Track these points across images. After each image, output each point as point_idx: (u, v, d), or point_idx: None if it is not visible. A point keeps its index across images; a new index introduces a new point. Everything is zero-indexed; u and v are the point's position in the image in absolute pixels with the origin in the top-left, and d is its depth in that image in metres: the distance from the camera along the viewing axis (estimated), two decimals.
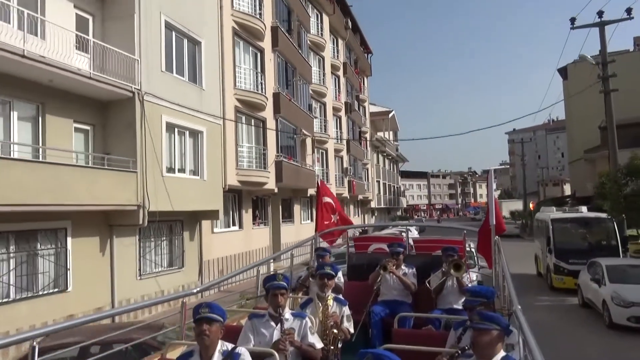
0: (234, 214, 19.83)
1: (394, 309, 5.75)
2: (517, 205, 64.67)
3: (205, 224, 17.17)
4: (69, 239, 11.60)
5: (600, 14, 17.61)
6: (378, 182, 51.82)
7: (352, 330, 4.66)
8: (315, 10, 30.10)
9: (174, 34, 14.72)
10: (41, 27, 11.11)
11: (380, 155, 53.38)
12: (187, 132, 15.21)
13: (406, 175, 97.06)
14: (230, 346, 3.33)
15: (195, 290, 4.84)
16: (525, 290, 15.68)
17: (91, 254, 12.28)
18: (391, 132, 60.72)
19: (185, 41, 15.38)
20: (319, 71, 30.21)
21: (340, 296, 5.06)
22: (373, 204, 49.19)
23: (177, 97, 14.45)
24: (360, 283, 6.40)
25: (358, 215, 43.97)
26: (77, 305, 11.55)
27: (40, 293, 10.91)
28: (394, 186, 64.32)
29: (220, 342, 3.29)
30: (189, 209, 15.20)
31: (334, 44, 34.73)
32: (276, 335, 3.82)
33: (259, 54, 20.38)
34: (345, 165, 35.72)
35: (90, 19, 12.85)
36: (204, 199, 15.78)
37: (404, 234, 8.88)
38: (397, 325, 5.02)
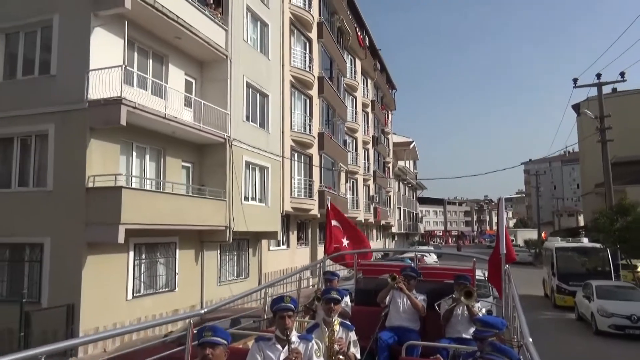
0: (283, 235, 23.34)
1: (401, 336, 5.74)
2: (532, 234, 67.00)
3: (264, 242, 20.68)
4: (177, 251, 15.21)
5: (598, 76, 21.06)
6: (399, 208, 55.10)
7: (358, 356, 4.63)
8: (350, 56, 34.08)
9: (251, 90, 18.54)
10: (164, 91, 14.92)
11: (401, 184, 56.79)
12: (258, 168, 18.91)
13: (423, 201, 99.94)
14: None
15: (202, 312, 4.73)
16: (533, 308, 18.77)
17: (189, 263, 15.86)
18: (411, 161, 64.25)
19: (258, 95, 19.20)
20: (352, 110, 34.03)
21: (347, 321, 5.00)
22: (394, 229, 52.40)
23: (252, 140, 18.19)
24: (368, 308, 6.38)
25: (380, 239, 47.19)
26: (180, 303, 15.04)
27: (159, 291, 14.47)
28: (412, 212, 67.46)
29: None
30: (256, 229, 18.73)
31: (364, 84, 38.66)
32: (282, 358, 3.82)
33: (308, 100, 24.21)
34: (371, 193, 39.23)
35: (193, 82, 16.71)
36: (267, 222, 19.34)
37: (410, 262, 8.48)
38: (404, 354, 4.98)
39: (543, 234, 48.62)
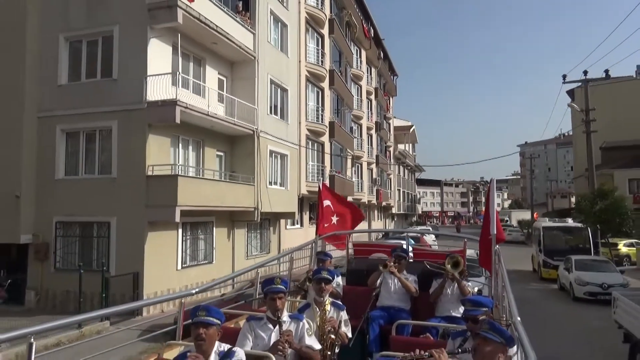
0: (298, 215, 25.72)
1: (392, 316, 5.80)
2: (526, 215, 69.67)
3: (282, 222, 23.04)
4: (214, 229, 17.58)
5: (585, 73, 23.25)
6: (398, 190, 57.53)
7: (349, 335, 4.68)
8: (356, 46, 36.02)
9: (273, 86, 20.69)
10: (203, 90, 17.06)
11: (401, 166, 59.13)
12: (279, 155, 21.17)
13: (421, 183, 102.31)
14: (227, 347, 3.36)
15: (193, 292, 4.82)
16: (522, 280, 21.29)
17: (224, 240, 18.23)
18: (410, 144, 66.48)
19: (279, 90, 21.35)
20: (358, 98, 36.12)
21: (339, 301, 5.06)
22: (394, 210, 54.94)
23: (275, 131, 20.41)
24: (359, 288, 6.44)
25: (381, 220, 49.71)
26: (217, 273, 17.34)
27: (200, 263, 16.87)
28: (411, 194, 69.96)
29: (217, 343, 3.33)
30: (278, 210, 21.07)
31: (368, 73, 40.66)
32: (274, 338, 3.85)
33: (320, 92, 26.34)
34: (374, 176, 41.56)
35: (225, 80, 18.84)
36: (286, 204, 21.69)
37: (402, 242, 8.82)
38: (394, 333, 5.04)
39: (535, 215, 51.17)
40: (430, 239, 31.52)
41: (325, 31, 26.93)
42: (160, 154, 14.83)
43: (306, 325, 4.07)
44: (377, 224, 47.12)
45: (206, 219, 17.11)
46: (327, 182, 26.03)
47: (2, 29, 15.38)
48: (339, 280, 6.17)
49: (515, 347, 3.48)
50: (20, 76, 15.25)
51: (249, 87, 18.94)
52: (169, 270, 15.08)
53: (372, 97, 41.51)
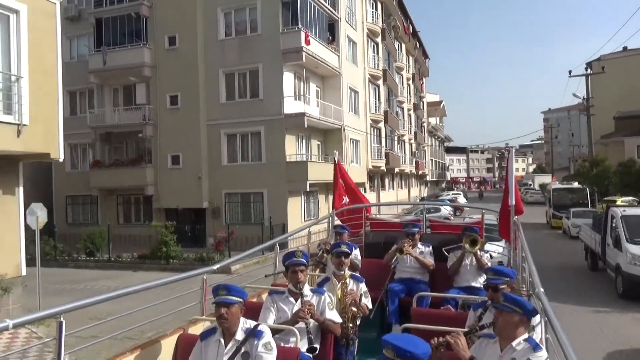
0: (367, 184, 33.55)
1: (410, 287, 5.89)
2: (547, 179, 76.02)
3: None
4: (318, 195, 25.49)
5: (586, 68, 29.98)
6: (431, 160, 64.86)
7: (370, 306, 4.80)
8: (398, 42, 42.97)
9: (352, 91, 28.26)
10: (307, 100, 24.67)
11: (432, 138, 66.24)
12: (355, 141, 28.91)
13: (449, 151, 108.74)
14: (252, 323, 3.36)
15: (215, 267, 4.81)
16: (537, 229, 28.78)
17: (323, 203, 26.14)
18: (439, 117, 73.33)
19: (353, 93, 28.91)
20: (400, 86, 43.29)
21: (357, 274, 5.19)
22: (428, 178, 62.45)
23: (352, 124, 28.09)
24: (377, 260, 6.46)
25: (417, 186, 57.33)
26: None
27: (311, 218, 24.84)
28: (441, 162, 77.13)
29: (242, 319, 3.33)
30: (355, 181, 28.80)
31: (407, 62, 47.56)
32: (295, 310, 3.95)
33: (377, 88, 33.74)
34: (413, 150, 49.01)
35: (319, 90, 26.47)
36: (360, 176, 29.50)
37: (414, 216, 8.12)
38: (415, 305, 5.03)
39: (553, 178, 57.91)
40: (462, 200, 39.29)
41: (379, 39, 34.12)
42: (290, 146, 22.71)
43: (327, 299, 4.14)
44: (415, 190, 54.80)
45: (313, 189, 25.03)
46: (383, 159, 33.73)
47: (184, 67, 23.19)
48: (356, 252, 6.24)
49: (538, 317, 3.43)
50: (197, 98, 23.18)
51: (335, 94, 26.54)
52: (299, 222, 23.14)
53: (411, 82, 48.55)
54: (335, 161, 8.66)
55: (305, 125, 21.85)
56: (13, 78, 9.65)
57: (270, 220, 21.08)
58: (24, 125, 9.66)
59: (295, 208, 22.92)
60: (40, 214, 11.51)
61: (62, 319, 3.05)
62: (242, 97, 23.11)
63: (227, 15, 23.13)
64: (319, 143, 26.43)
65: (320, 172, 23.36)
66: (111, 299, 3.67)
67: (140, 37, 23.67)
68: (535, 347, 3.03)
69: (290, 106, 22.05)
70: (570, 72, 30.45)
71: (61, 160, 11.31)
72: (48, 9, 10.41)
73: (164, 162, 23.54)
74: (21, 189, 11.00)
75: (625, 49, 50.76)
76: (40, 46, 10.13)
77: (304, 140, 24.47)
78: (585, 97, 30.04)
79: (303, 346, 3.80)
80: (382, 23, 34.90)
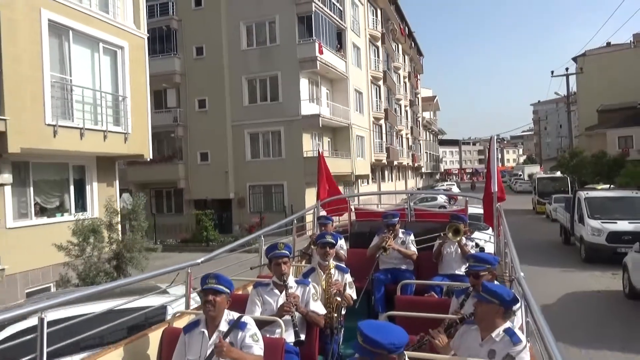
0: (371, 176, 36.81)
1: (396, 276, 5.92)
2: (536, 169, 79.76)
3: (359, 181, 34.09)
4: None
5: (567, 69, 33.31)
6: (426, 152, 68.24)
7: (354, 297, 4.83)
8: (395, 43, 46.10)
9: (357, 92, 31.42)
10: (318, 101, 27.77)
11: (427, 132, 69.60)
12: (360, 138, 32.10)
13: (442, 143, 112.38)
14: (236, 315, 3.37)
15: (199, 261, 4.70)
16: (524, 214, 32.19)
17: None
18: (433, 111, 76.70)
19: (357, 94, 32.07)
20: (398, 85, 46.49)
21: (343, 264, 5.18)
22: (423, 170, 65.86)
23: (358, 121, 31.26)
24: (363, 250, 6.38)
25: (413, 178, 60.72)
26: None
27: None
28: (435, 154, 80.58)
29: (226, 311, 3.35)
30: (360, 174, 32.03)
31: (404, 62, 50.73)
32: (281, 302, 3.99)
33: (378, 89, 36.91)
34: (410, 143, 52.31)
35: (328, 92, 29.59)
36: (364, 169, 32.72)
37: (405, 205, 8.53)
38: (399, 293, 5.08)
39: (541, 169, 61.52)
40: (456, 189, 42.74)
41: (379, 43, 37.24)
42: (306, 144, 25.86)
43: (312, 290, 4.20)
44: (411, 181, 58.17)
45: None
46: (384, 152, 36.97)
47: (210, 75, 26.20)
48: (342, 243, 6.31)
49: (519, 303, 3.45)
50: (223, 102, 26.24)
51: (343, 96, 29.68)
52: None
53: (407, 80, 51.76)
54: (319, 154, 8.92)
55: (320, 125, 25.00)
56: (120, 98, 12.76)
57: (291, 207, 24.21)
58: (129, 133, 12.78)
59: (312, 197, 26.01)
60: (127, 201, 14.64)
61: (43, 315, 3.03)
62: (263, 100, 26.17)
63: (248, 27, 26.15)
64: (329, 140, 29.58)
65: (331, 165, 26.41)
66: (92, 296, 3.73)
67: (171, 48, 26.65)
68: (515, 340, 3.04)
69: (306, 108, 25.17)
70: (552, 72, 33.74)
71: (150, 159, 14.39)
72: (140, 43, 13.49)
73: (194, 158, 26.63)
74: (117, 182, 14.11)
75: (609, 44, 54.07)
76: (135, 72, 13.21)
77: (316, 138, 27.62)
78: (566, 94, 33.35)
79: (289, 337, 3.88)
80: (382, 28, 37.98)
